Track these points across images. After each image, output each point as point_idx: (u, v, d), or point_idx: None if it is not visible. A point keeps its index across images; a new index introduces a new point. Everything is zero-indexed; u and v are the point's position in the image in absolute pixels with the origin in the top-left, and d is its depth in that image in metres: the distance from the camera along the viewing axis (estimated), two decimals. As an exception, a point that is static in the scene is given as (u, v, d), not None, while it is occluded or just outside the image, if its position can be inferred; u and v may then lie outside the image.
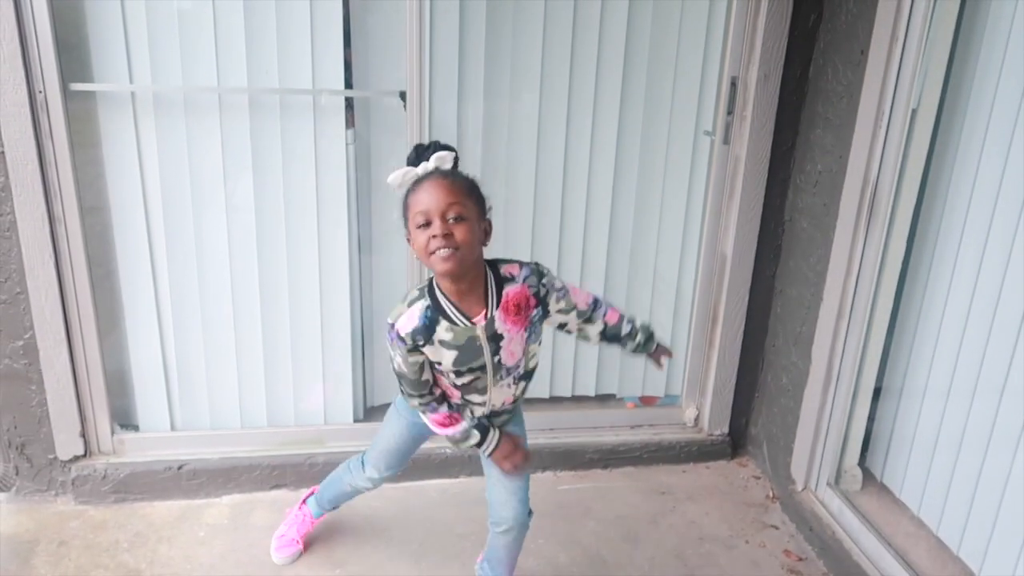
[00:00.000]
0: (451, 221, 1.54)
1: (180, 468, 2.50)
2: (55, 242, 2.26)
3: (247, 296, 2.54)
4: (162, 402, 2.58)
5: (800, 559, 2.39)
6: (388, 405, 2.80)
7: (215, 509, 2.49)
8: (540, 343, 1.78)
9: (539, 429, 2.78)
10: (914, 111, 2.11)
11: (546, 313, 1.75)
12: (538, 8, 2.46)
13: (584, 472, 2.78)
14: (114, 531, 2.36)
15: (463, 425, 1.77)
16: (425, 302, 1.65)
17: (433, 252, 1.54)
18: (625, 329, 1.88)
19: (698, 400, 2.93)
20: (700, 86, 2.65)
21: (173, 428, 2.61)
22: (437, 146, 1.62)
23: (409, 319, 1.65)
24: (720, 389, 2.85)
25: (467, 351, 1.66)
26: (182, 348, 2.55)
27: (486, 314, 1.65)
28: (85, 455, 2.48)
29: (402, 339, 1.65)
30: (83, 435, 2.46)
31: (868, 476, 2.48)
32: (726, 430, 2.91)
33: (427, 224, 1.55)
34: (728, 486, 2.77)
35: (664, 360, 1.94)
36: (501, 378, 1.73)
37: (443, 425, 1.78)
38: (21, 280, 2.27)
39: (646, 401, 3.00)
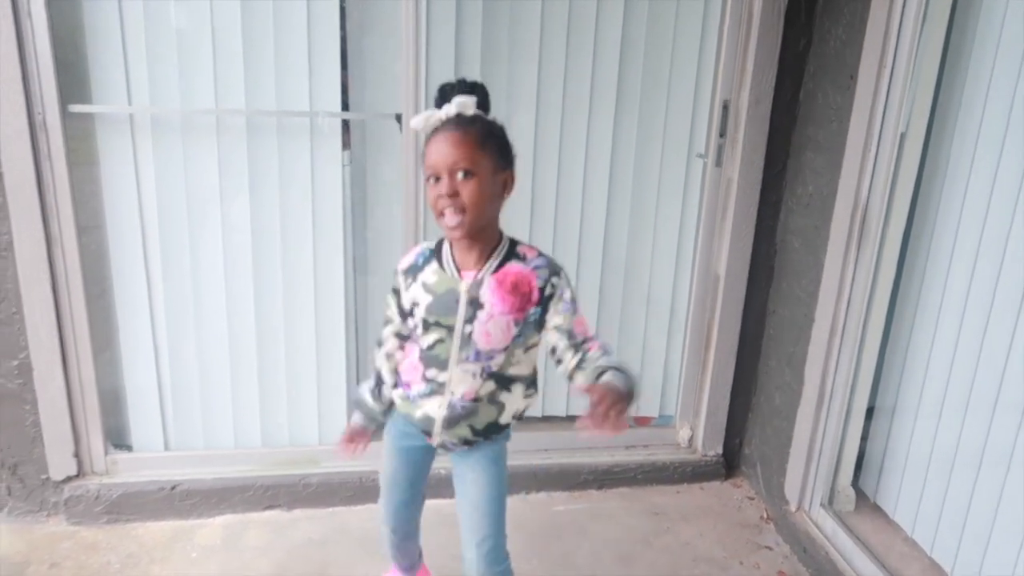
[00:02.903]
0: (460, 177, 1.46)
1: (173, 488, 2.49)
2: (52, 262, 2.27)
3: (242, 316, 2.55)
4: (156, 422, 2.57)
5: (794, 580, 2.39)
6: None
7: (208, 530, 2.48)
8: (527, 351, 1.62)
9: (533, 450, 2.78)
10: (903, 135, 2.14)
11: (542, 320, 1.57)
12: (533, 32, 2.50)
13: (578, 493, 2.78)
14: (106, 552, 2.34)
15: (363, 388, 1.81)
16: (428, 245, 1.64)
17: (442, 213, 1.48)
18: (593, 356, 1.52)
19: (692, 421, 2.93)
20: (693, 109, 2.68)
21: (167, 448, 2.60)
22: (462, 86, 1.52)
23: (409, 255, 1.66)
24: (714, 410, 2.86)
25: (442, 302, 1.56)
26: (176, 368, 2.55)
27: (477, 274, 1.55)
28: (78, 475, 2.47)
29: (395, 275, 1.66)
30: (76, 455, 2.45)
31: (861, 496, 2.49)
32: (720, 451, 2.91)
33: (436, 179, 1.48)
34: (722, 507, 2.77)
35: (597, 401, 1.40)
36: (468, 358, 1.58)
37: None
38: (17, 300, 2.27)
39: (640, 422, 3.00)
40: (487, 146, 1.49)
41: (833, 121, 2.34)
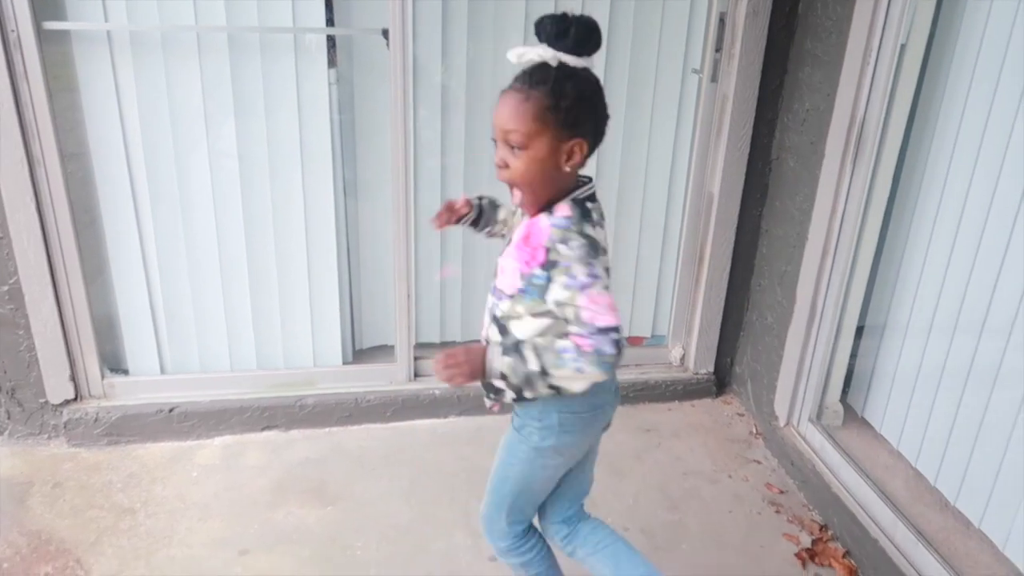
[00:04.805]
0: (511, 148, 1.34)
1: (171, 411, 2.53)
2: (35, 185, 2.23)
3: (233, 239, 2.53)
4: (151, 346, 2.59)
5: (781, 492, 2.46)
6: (377, 348, 2.86)
7: (207, 450, 2.52)
8: (536, 317, 1.41)
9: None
10: (903, 47, 2.09)
11: (547, 287, 1.36)
12: (523, -59, 2.41)
13: (571, 411, 2.81)
14: (107, 472, 2.39)
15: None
16: None
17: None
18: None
19: (684, 340, 2.96)
20: (688, 23, 2.61)
21: (163, 371, 2.62)
22: (555, 27, 1.31)
23: None
24: (706, 329, 2.88)
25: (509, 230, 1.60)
26: (169, 292, 2.55)
27: (523, 212, 1.48)
28: (76, 399, 2.50)
29: None
30: (73, 379, 2.47)
31: (849, 412, 2.53)
32: (711, 369, 2.95)
33: (495, 142, 1.38)
34: (712, 423, 2.82)
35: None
36: (492, 289, 1.49)
37: None
38: (3, 224, 2.24)
39: (633, 341, 3.03)
40: (551, 115, 1.31)
41: (832, 33, 2.27)
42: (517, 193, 1.39)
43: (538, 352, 1.31)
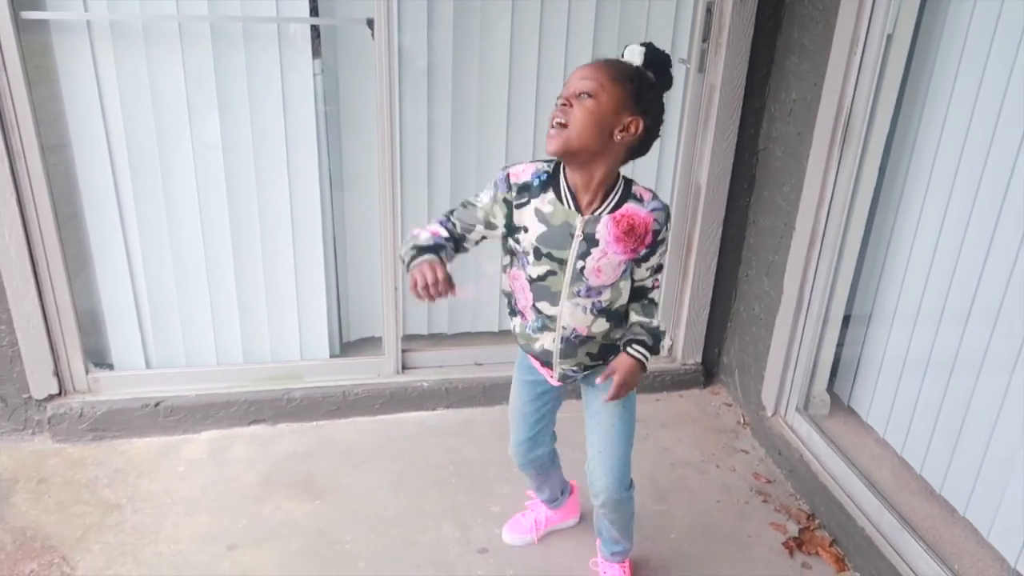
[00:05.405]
0: (579, 97, 1.42)
1: (157, 405, 2.50)
2: (16, 179, 2.20)
3: (218, 232, 2.51)
4: (135, 340, 2.56)
5: (768, 481, 2.47)
6: (365, 340, 2.85)
7: (194, 445, 2.51)
8: (630, 288, 1.64)
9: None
10: (889, 36, 2.09)
11: (645, 258, 1.59)
12: (509, -70, 2.39)
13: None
14: (93, 468, 2.37)
15: (422, 234, 1.56)
16: (544, 168, 1.55)
17: (550, 127, 1.45)
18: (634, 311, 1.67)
19: (672, 331, 2.96)
20: (675, 12, 2.60)
21: (148, 366, 2.60)
22: (643, 44, 1.49)
23: (523, 171, 1.56)
24: (693, 319, 2.88)
25: (556, 234, 1.53)
26: (154, 286, 2.52)
27: (594, 211, 1.53)
28: (60, 394, 2.47)
29: (506, 183, 1.55)
30: (57, 374, 2.44)
31: (836, 401, 2.54)
32: (699, 359, 2.96)
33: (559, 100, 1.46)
34: (700, 413, 2.83)
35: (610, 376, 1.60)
36: (578, 293, 1.58)
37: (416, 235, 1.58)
38: (-17, 218, 2.22)
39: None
40: (622, 83, 1.43)
41: (819, 22, 2.27)
42: (561, 135, 1.43)
43: (652, 313, 1.65)
